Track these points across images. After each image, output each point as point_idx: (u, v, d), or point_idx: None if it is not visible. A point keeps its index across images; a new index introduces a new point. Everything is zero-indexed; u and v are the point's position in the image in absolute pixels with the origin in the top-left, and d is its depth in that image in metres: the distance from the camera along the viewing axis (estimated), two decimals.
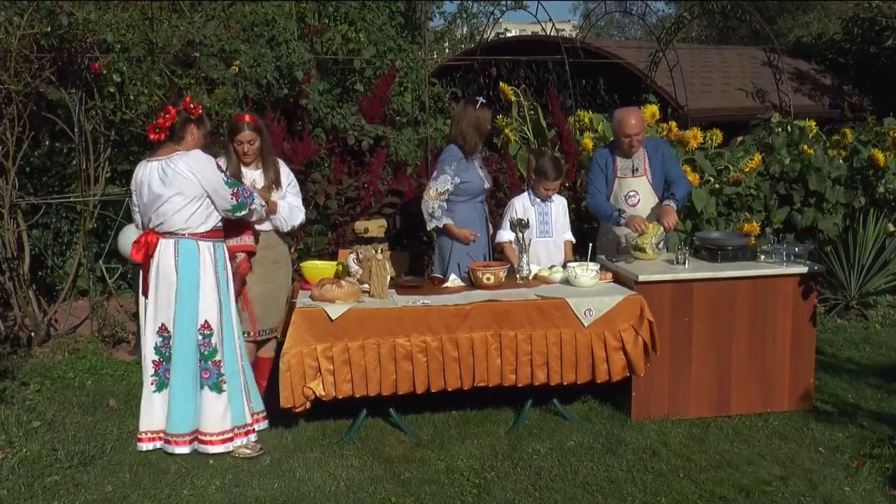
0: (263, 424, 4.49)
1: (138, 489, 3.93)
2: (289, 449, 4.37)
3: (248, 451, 4.31)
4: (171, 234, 4.22)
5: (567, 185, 6.35)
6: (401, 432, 4.55)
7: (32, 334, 6.06)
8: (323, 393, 4.25)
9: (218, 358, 4.28)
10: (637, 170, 5.22)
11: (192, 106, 4.28)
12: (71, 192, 6.68)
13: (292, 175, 4.96)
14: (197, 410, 4.28)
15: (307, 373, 4.21)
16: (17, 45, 5.77)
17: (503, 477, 4.06)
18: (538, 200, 5.24)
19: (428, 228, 5.08)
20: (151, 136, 4.26)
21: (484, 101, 5.09)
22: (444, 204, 4.99)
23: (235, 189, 4.31)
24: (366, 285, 4.54)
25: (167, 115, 4.22)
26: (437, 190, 4.97)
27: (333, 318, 4.23)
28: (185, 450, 4.25)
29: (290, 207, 4.78)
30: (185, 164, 4.17)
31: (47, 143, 6.94)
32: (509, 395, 4.74)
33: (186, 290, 4.22)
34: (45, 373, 5.45)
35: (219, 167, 4.34)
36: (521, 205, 5.23)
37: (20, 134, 6.03)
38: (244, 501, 3.85)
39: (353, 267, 4.71)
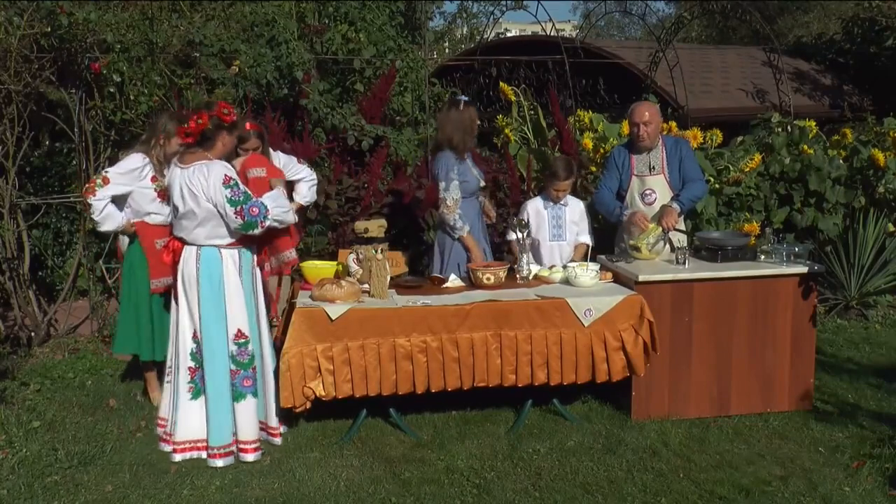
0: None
1: (138, 489, 3.93)
2: (289, 449, 4.37)
3: (253, 458, 4.29)
4: (194, 242, 4.20)
5: None
6: (401, 432, 4.55)
7: (32, 334, 6.06)
8: (323, 393, 4.24)
9: (256, 365, 4.27)
10: (654, 168, 5.21)
11: (225, 112, 4.16)
12: (71, 192, 6.68)
13: (285, 157, 5.12)
14: (233, 420, 4.24)
15: (307, 373, 4.21)
16: (17, 45, 5.77)
17: (503, 477, 4.06)
18: (551, 203, 5.26)
19: (454, 238, 5.06)
20: (181, 140, 4.21)
21: (467, 99, 5.07)
22: (460, 212, 5.02)
23: (238, 208, 4.07)
24: (366, 285, 4.54)
25: (200, 121, 4.10)
26: (453, 199, 4.98)
27: (333, 318, 4.23)
28: (224, 462, 4.18)
29: (308, 189, 5.15)
30: (199, 181, 4.06)
31: (47, 143, 6.94)
32: (509, 395, 4.74)
33: (210, 297, 4.16)
34: (45, 373, 5.46)
35: (230, 180, 4.09)
36: (535, 208, 5.28)
37: (20, 134, 6.04)
38: (244, 501, 3.85)
39: (353, 267, 4.72)
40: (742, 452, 4.33)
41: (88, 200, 4.72)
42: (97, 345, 6.01)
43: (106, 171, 4.82)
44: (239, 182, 4.14)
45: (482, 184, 5.24)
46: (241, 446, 4.24)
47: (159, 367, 4.81)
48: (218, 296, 4.17)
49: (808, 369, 4.88)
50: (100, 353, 5.87)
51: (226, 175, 4.10)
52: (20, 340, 6.03)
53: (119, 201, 4.79)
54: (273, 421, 4.39)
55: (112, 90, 6.17)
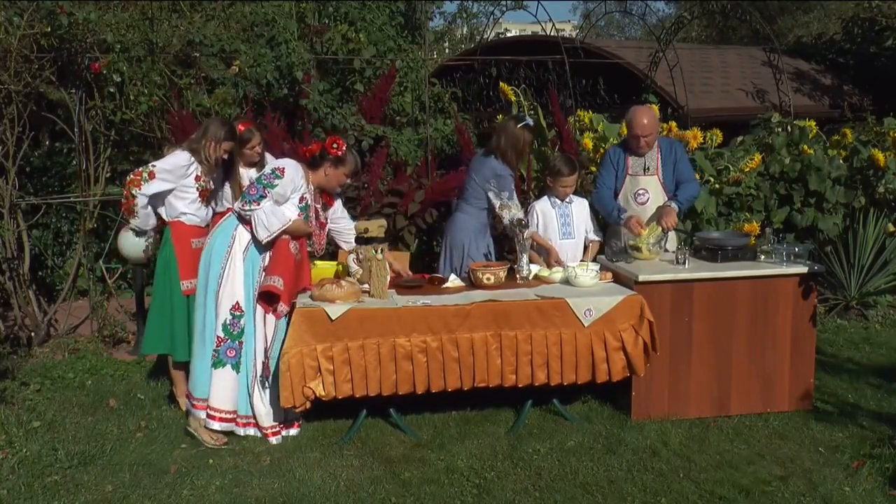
0: (252, 431, 4.50)
1: (138, 489, 3.94)
2: (289, 449, 4.38)
3: (210, 440, 4.39)
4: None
5: None
6: (401, 432, 4.55)
7: (32, 334, 6.06)
8: (323, 393, 4.25)
9: (244, 340, 4.42)
10: (648, 168, 5.23)
11: (333, 146, 4.48)
12: (71, 192, 6.69)
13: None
14: (208, 383, 4.42)
15: (307, 373, 4.21)
16: (17, 45, 5.77)
17: (503, 477, 4.06)
18: (558, 202, 5.28)
19: (525, 236, 5.00)
20: (303, 157, 4.63)
21: (530, 123, 5.14)
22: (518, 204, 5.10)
23: (254, 181, 4.47)
24: (366, 285, 4.54)
25: (312, 147, 4.57)
26: (517, 205, 5.06)
27: (333, 318, 4.23)
28: (197, 411, 4.45)
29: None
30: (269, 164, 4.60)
31: (47, 143, 6.94)
32: (509, 395, 4.74)
33: (212, 261, 4.43)
34: (45, 373, 5.46)
35: (280, 170, 4.40)
36: (542, 208, 5.29)
37: (20, 134, 6.04)
38: (244, 501, 3.85)
39: (353, 267, 4.72)
40: (742, 452, 4.33)
41: (133, 192, 4.66)
42: (97, 345, 6.01)
43: (153, 166, 4.72)
44: (282, 180, 4.39)
45: None
46: (210, 413, 4.42)
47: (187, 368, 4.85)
48: (219, 262, 4.41)
49: (808, 369, 4.89)
50: (100, 353, 5.86)
51: (282, 167, 4.44)
52: (20, 340, 6.03)
53: (155, 198, 4.78)
54: (266, 421, 4.45)
55: (112, 90, 6.17)
